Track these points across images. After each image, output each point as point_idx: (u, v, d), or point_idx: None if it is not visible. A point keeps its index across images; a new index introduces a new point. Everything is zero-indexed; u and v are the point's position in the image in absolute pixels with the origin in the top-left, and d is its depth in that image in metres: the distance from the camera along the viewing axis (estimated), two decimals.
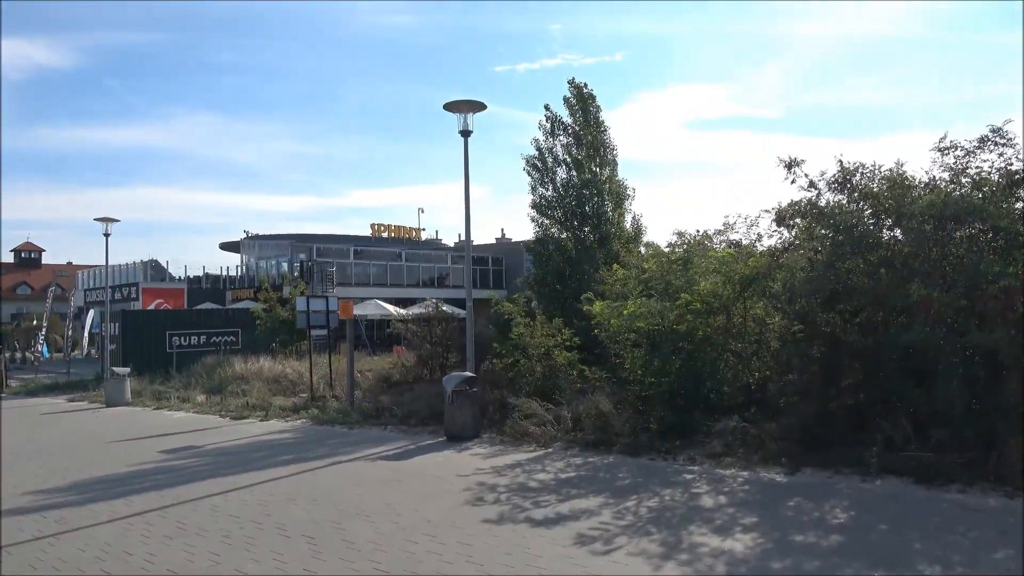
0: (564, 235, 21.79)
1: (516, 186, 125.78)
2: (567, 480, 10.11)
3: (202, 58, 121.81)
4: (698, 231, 15.98)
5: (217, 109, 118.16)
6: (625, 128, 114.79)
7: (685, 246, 15.52)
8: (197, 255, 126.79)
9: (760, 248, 13.09)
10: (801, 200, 11.84)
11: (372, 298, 40.32)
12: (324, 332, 20.86)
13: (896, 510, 8.35)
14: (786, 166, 12.00)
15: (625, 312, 13.07)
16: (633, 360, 13.00)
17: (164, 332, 27.67)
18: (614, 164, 22.08)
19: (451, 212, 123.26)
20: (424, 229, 56.19)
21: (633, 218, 21.93)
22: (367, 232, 52.10)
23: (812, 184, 11.87)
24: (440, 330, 20.15)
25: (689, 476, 10.07)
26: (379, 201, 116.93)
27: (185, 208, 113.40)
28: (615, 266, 16.69)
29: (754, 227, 13.68)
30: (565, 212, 21.30)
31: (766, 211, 12.38)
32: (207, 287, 51.31)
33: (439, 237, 62.39)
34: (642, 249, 20.93)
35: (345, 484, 10.29)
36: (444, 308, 21.45)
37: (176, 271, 51.49)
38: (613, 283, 15.84)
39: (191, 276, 50.86)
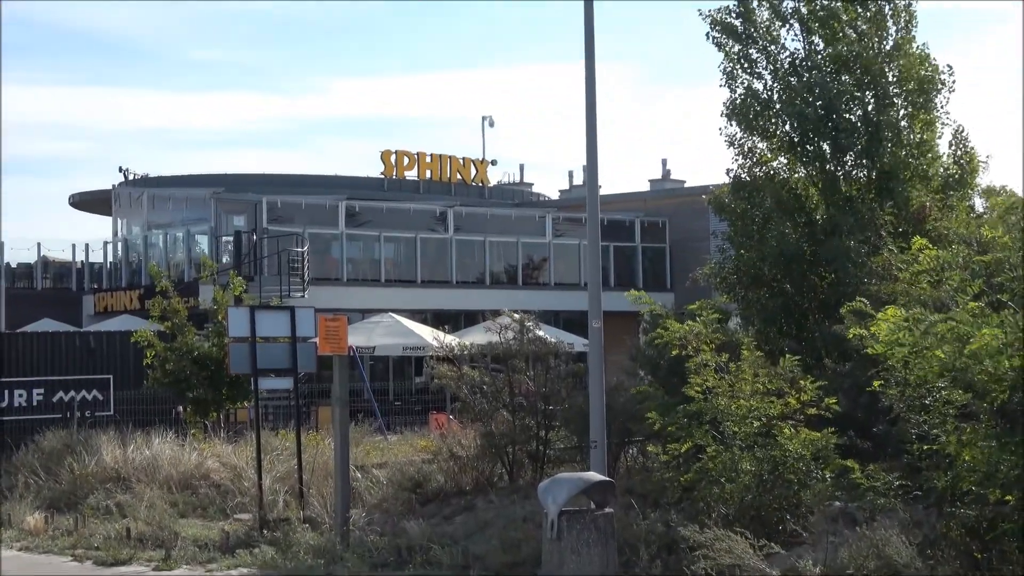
0: (798, 174, 21.57)
1: (694, 70, 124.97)
2: None
3: None
4: None
5: None
6: None
7: None
8: (25, 221, 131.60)
9: None
10: None
11: (385, 310, 40.81)
12: (287, 384, 21.00)
13: None
14: None
15: (960, 343, 12.65)
16: (961, 449, 12.65)
17: None
18: (908, 20, 21.66)
19: (553, 127, 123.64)
20: (494, 162, 56.51)
21: (955, 135, 21.44)
22: (374, 170, 52.88)
23: None
24: (531, 379, 20.16)
25: None
26: (397, 105, 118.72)
27: (4, 123, 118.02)
28: (916, 240, 16.38)
29: None
30: (801, 125, 21.09)
31: None
32: (45, 286, 52.71)
33: (525, 181, 62.81)
34: (976, 202, 20.48)
35: None
36: (539, 332, 21.51)
37: None
38: (913, 276, 15.57)
39: (13, 264, 52.49)
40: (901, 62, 21.17)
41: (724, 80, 21.62)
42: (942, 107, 21.37)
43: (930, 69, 21.27)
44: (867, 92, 21.11)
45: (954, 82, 21.36)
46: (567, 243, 49.39)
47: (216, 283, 30.22)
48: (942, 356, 12.81)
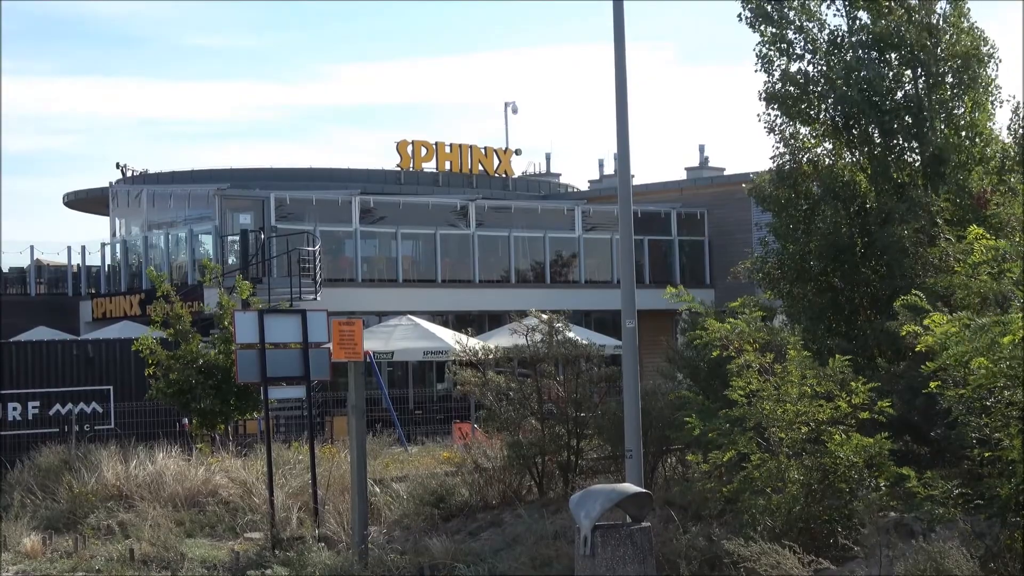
0: (844, 159, 21.61)
1: (732, 49, 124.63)
2: None
3: None
4: None
5: None
6: None
7: None
8: (16, 221, 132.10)
9: None
10: None
11: (403, 312, 40.81)
12: (299, 393, 21.09)
13: None
14: None
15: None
16: None
17: None
18: None
19: (581, 113, 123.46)
20: (519, 152, 56.07)
21: (1014, 111, 21.33)
22: (390, 162, 52.69)
23: None
24: (561, 384, 20.17)
25: None
26: (412, 92, 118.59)
27: None
28: (972, 230, 16.33)
29: None
30: (844, 109, 21.09)
31: None
32: (39, 292, 52.67)
33: (552, 171, 62.58)
34: None
35: None
36: (569, 334, 21.57)
37: None
38: (971, 268, 15.53)
39: (5, 269, 52.58)
40: (947, 36, 21.09)
41: (759, 62, 21.54)
42: (991, 82, 21.25)
43: (973, 42, 21.17)
44: (916, 70, 21.03)
45: (999, 55, 21.25)
46: (598, 237, 49.11)
47: (222, 286, 30.20)
48: (1006, 369, 12.74)
